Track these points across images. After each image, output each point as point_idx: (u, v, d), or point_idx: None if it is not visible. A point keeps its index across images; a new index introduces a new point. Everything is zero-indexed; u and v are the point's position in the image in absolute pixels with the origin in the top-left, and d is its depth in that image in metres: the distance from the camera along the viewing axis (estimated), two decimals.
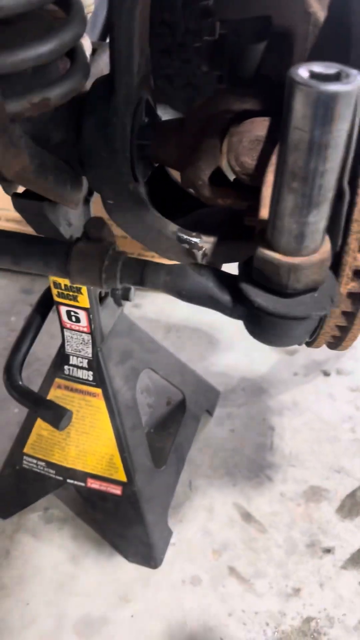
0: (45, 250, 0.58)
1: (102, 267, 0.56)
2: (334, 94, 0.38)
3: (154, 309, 1.59)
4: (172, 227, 0.69)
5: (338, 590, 1.03)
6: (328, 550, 1.08)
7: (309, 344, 0.67)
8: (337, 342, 0.62)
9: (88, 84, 0.68)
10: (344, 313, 0.55)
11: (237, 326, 1.63)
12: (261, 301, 0.46)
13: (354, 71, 0.39)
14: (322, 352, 1.48)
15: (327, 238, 0.46)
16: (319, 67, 0.40)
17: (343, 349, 0.63)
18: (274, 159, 0.54)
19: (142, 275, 0.55)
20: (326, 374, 1.42)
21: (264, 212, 0.49)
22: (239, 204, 0.67)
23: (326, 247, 0.44)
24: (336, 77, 0.39)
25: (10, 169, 0.52)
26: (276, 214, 0.44)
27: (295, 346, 1.51)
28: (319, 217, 0.44)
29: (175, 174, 0.76)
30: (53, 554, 1.08)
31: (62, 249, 0.58)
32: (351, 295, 0.53)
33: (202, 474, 1.20)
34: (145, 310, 1.59)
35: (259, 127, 0.62)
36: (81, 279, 0.57)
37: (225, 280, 0.52)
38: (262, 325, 0.49)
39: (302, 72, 0.39)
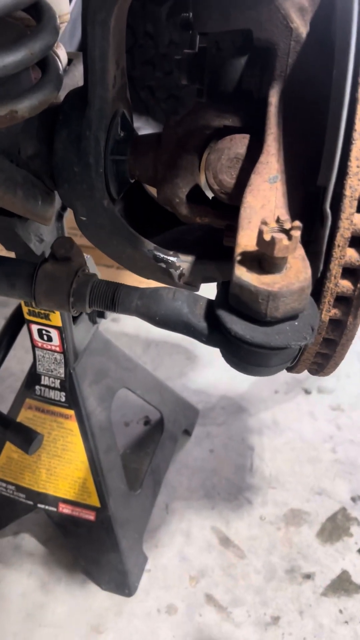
0: (9, 272, 0.55)
1: (70, 290, 0.53)
2: None
3: (133, 323, 1.55)
4: (148, 245, 0.66)
5: (318, 618, 1.00)
6: (308, 576, 1.05)
7: (289, 369, 0.65)
8: (319, 369, 0.59)
9: (63, 95, 0.65)
10: (325, 340, 0.52)
11: None
12: (238, 329, 0.43)
13: None
14: None
15: (307, 264, 0.43)
16: None
17: (325, 374, 0.61)
18: (253, 179, 0.51)
19: (113, 299, 0.52)
20: (307, 392, 1.40)
21: (242, 237, 0.46)
22: (217, 223, 0.65)
23: (307, 274, 0.42)
24: None
25: None
26: None
27: None
28: None
29: (153, 190, 0.73)
30: (22, 582, 1.03)
31: (27, 270, 0.55)
32: (333, 322, 0.51)
33: (180, 496, 1.17)
34: (123, 325, 1.55)
35: (239, 144, 0.59)
36: (48, 302, 0.54)
37: (201, 306, 0.49)
38: (240, 355, 0.46)
39: None
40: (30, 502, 0.99)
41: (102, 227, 0.65)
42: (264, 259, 0.43)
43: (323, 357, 0.56)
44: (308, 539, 1.11)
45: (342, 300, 0.49)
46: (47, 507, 0.98)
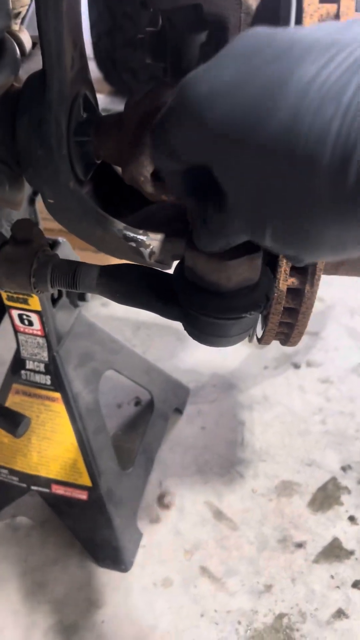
0: None
1: (31, 271, 0.54)
2: None
3: (122, 307, 1.56)
4: (118, 225, 0.67)
5: (310, 584, 1.02)
6: (300, 545, 1.08)
7: (259, 341, 0.66)
8: (285, 339, 0.60)
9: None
10: (287, 309, 0.53)
11: None
12: (193, 302, 0.44)
13: None
14: None
15: None
16: None
17: (292, 344, 0.62)
18: None
19: (74, 277, 0.53)
20: (296, 366, 1.41)
21: None
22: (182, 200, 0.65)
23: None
24: None
25: None
26: None
27: None
28: None
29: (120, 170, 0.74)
30: (21, 563, 1.06)
31: None
32: (291, 291, 0.51)
33: (173, 473, 1.19)
34: (113, 309, 1.57)
35: None
36: (10, 284, 0.55)
37: (160, 281, 0.50)
38: (199, 327, 0.47)
39: None
40: (24, 485, 1.01)
41: (70, 210, 0.66)
42: None
43: (288, 327, 0.57)
44: (299, 509, 1.13)
45: (298, 269, 0.50)
46: (40, 488, 1.00)
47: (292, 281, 0.50)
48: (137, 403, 1.31)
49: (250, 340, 0.67)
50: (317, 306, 1.42)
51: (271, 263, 0.49)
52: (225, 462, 1.21)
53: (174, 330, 1.51)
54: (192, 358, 1.44)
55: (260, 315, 0.62)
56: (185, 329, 0.50)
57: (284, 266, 0.49)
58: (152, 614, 0.99)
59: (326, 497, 1.15)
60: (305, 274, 0.49)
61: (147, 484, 1.15)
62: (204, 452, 1.23)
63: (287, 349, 1.44)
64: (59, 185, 0.64)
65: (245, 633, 0.97)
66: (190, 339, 1.63)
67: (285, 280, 0.50)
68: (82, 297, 0.93)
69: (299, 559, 1.06)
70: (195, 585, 1.03)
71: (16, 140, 0.63)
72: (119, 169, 0.78)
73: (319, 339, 1.48)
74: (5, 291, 0.82)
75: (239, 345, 1.52)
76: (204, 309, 0.44)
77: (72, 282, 0.53)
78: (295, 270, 0.50)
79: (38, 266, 0.54)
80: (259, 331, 0.68)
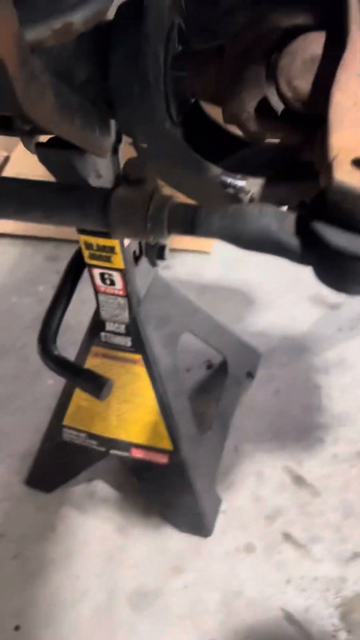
0: (81, 200, 0.51)
1: (147, 215, 0.49)
2: None
3: (185, 269, 1.52)
4: (214, 170, 0.62)
5: None
6: None
7: None
8: None
9: (112, 14, 0.60)
10: None
11: (275, 282, 1.54)
12: (340, 242, 0.39)
13: None
14: None
15: None
16: None
17: None
18: (341, 76, 0.46)
19: (193, 221, 0.48)
20: None
21: (336, 139, 0.41)
22: (291, 138, 0.59)
23: None
24: None
25: (33, 107, 0.45)
26: None
27: (338, 299, 1.43)
28: None
29: (214, 113, 0.68)
30: (100, 527, 1.05)
31: (99, 196, 0.51)
32: None
33: (248, 438, 1.15)
34: (176, 271, 1.52)
35: (314, 43, 0.54)
36: (124, 230, 0.51)
37: (291, 221, 0.45)
38: (340, 272, 0.42)
39: None
40: (103, 449, 0.99)
41: (164, 154, 0.61)
42: None
43: None
44: None
45: None
46: (119, 452, 0.98)
47: None
48: (209, 366, 1.27)
49: None
50: None
51: None
52: (302, 427, 1.17)
53: (239, 293, 1.45)
54: (261, 321, 1.38)
55: None
56: (317, 276, 0.45)
57: None
58: (236, 580, 0.97)
59: None
60: None
61: (223, 450, 1.11)
62: (279, 417, 1.19)
63: None
64: (154, 125, 0.59)
65: (335, 600, 0.93)
66: (258, 301, 1.57)
67: None
68: (160, 256, 0.89)
69: None
70: (279, 552, 1.00)
71: (109, 78, 0.58)
72: (211, 112, 0.72)
73: None
74: (89, 249, 0.78)
75: (309, 306, 1.46)
76: (353, 250, 0.39)
77: (191, 227, 0.48)
78: None
79: (154, 209, 0.50)
80: None
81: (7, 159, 1.79)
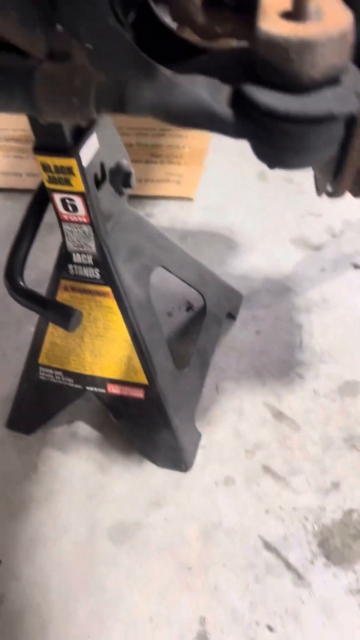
0: (5, 77, 0.49)
1: (73, 89, 0.47)
2: None
3: (168, 216, 1.50)
4: (165, 71, 0.59)
5: None
6: None
7: (332, 194, 0.58)
8: None
9: None
10: None
11: (258, 227, 1.52)
12: (269, 101, 0.37)
13: None
14: (351, 244, 1.38)
15: (346, 9, 0.36)
16: None
17: None
18: None
19: (122, 96, 0.46)
20: (357, 266, 1.32)
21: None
22: (240, 31, 0.57)
23: (347, 17, 0.35)
24: None
25: None
26: None
27: (322, 240, 1.41)
28: None
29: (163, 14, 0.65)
30: (81, 466, 1.05)
31: (24, 72, 0.49)
32: None
33: (229, 376, 1.15)
34: (157, 219, 1.50)
35: None
36: (51, 109, 0.48)
37: (227, 92, 0.42)
38: (274, 139, 0.40)
39: None
40: (79, 386, 0.99)
41: (109, 54, 0.58)
42: (292, 11, 0.36)
43: None
44: None
45: None
46: (96, 389, 0.98)
47: None
48: (189, 308, 1.26)
49: (320, 194, 0.59)
50: None
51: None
52: (284, 364, 1.16)
53: (222, 238, 1.43)
54: (243, 265, 1.37)
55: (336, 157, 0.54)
56: (254, 151, 0.43)
57: None
58: (215, 511, 0.97)
59: None
60: None
61: (203, 388, 1.11)
62: (260, 356, 1.18)
63: (347, 249, 1.35)
64: (97, 22, 0.57)
65: (314, 529, 0.94)
66: (240, 245, 1.55)
67: None
68: (126, 183, 0.87)
69: None
70: (258, 484, 1.00)
71: None
72: (160, 14, 0.69)
73: None
74: (46, 171, 0.76)
75: (292, 249, 1.43)
76: (283, 110, 0.37)
77: (120, 102, 0.46)
78: None
79: (81, 83, 0.48)
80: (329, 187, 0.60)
81: None
